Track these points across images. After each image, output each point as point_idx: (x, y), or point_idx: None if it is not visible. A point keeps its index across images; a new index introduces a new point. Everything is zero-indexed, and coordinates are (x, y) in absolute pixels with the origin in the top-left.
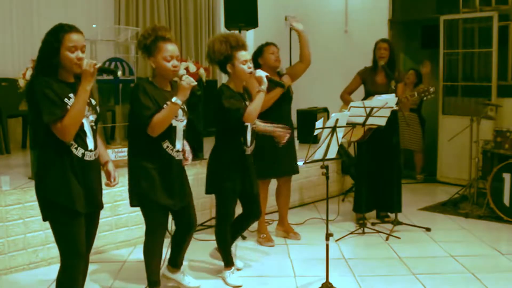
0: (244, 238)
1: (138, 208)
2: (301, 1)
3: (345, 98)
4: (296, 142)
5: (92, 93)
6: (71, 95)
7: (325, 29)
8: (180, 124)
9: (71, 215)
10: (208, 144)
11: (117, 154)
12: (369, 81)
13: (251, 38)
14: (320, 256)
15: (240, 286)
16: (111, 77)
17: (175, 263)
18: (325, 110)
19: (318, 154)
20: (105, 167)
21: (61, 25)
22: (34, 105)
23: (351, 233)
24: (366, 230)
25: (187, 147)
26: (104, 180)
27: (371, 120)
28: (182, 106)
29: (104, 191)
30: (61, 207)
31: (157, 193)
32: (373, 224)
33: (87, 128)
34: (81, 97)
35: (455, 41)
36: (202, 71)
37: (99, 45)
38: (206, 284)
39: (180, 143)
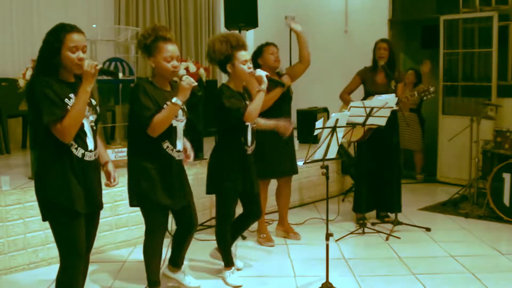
0: (244, 238)
1: (138, 208)
2: (301, 1)
3: (345, 98)
4: (296, 142)
5: (92, 93)
6: (72, 95)
7: (325, 29)
8: (180, 124)
9: (71, 215)
10: (208, 144)
11: (117, 154)
12: (369, 81)
13: (251, 38)
14: (320, 256)
15: (240, 286)
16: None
17: (176, 262)
18: (325, 110)
19: (318, 154)
20: (105, 167)
21: (63, 24)
22: (34, 105)
23: (351, 233)
24: (366, 230)
25: (188, 145)
26: (104, 180)
27: (371, 120)
28: (182, 106)
29: (104, 191)
30: (61, 207)
31: (157, 193)
32: (373, 224)
33: (87, 128)
34: (82, 98)
35: (455, 41)
36: (202, 71)
37: (99, 45)
38: (206, 284)
39: (181, 143)
